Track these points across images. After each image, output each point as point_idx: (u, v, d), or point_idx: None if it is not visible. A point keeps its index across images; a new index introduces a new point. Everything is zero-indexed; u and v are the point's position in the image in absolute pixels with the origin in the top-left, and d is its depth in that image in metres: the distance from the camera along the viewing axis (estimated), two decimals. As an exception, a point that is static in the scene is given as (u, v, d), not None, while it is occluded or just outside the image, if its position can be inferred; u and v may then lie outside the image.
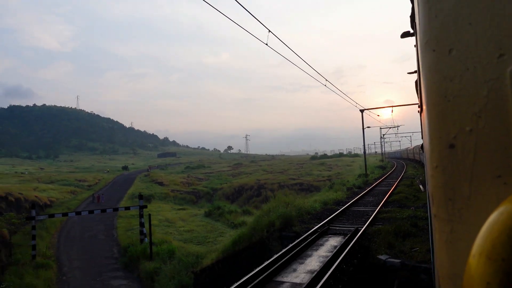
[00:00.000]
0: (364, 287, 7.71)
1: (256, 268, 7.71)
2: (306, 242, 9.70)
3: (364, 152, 39.00)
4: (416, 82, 4.73)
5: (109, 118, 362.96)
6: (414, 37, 3.21)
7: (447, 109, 0.61)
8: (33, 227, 21.05)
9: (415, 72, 4.61)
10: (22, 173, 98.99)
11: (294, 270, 7.83)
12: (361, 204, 17.07)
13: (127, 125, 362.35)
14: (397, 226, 10.40)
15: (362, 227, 11.21)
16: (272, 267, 7.74)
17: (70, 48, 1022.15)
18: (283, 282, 7.15)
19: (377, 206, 15.26)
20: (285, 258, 8.32)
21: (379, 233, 10.31)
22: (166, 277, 13.53)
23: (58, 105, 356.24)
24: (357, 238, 9.64)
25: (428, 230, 10.14)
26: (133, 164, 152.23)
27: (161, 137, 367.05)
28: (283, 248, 9.41)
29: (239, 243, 13.83)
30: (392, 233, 9.90)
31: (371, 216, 13.01)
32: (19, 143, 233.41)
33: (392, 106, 33.73)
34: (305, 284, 6.62)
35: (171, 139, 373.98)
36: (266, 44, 11.52)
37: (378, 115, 37.90)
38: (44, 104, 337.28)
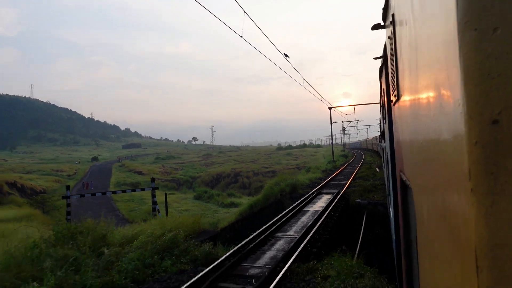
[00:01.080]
0: (348, 215, 14.13)
1: (281, 213, 13.73)
2: (310, 197, 16.01)
3: (332, 143, 46.21)
4: (380, 68, 5.31)
5: (66, 108, 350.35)
6: (384, 30, 3.38)
7: (491, 86, 0.63)
8: (68, 205, 25.82)
9: (380, 57, 4.98)
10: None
11: (307, 211, 14.04)
12: (337, 179, 23.74)
13: (86, 115, 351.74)
14: (363, 187, 17.02)
15: (342, 189, 17.73)
16: (295, 209, 13.87)
17: (16, 33, 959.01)
18: (307, 211, 13.39)
19: (348, 180, 21.93)
20: (300, 205, 14.49)
21: (353, 192, 16.88)
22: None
23: (10, 93, 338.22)
24: (341, 194, 16.09)
25: (381, 188, 16.72)
26: (99, 155, 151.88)
27: (122, 128, 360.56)
28: (294, 203, 15.55)
29: (255, 206, 19.88)
30: (361, 190, 16.48)
31: (346, 184, 19.61)
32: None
33: (355, 105, 40.99)
34: (321, 211, 12.88)
35: (132, 130, 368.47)
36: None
37: (346, 114, 45.06)
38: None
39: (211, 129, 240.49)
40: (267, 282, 6.27)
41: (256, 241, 8.94)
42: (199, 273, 6.69)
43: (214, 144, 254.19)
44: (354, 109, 42.81)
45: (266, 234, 9.74)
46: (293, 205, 14.18)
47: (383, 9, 2.81)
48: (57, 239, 7.63)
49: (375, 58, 5.26)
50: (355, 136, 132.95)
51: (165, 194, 27.76)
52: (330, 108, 42.29)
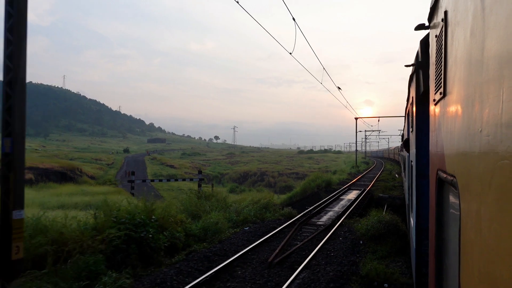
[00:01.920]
0: (372, 206, 18.82)
1: (323, 198, 18.54)
2: (342, 191, 20.78)
3: (356, 150, 50.57)
4: (410, 76, 5.43)
5: (95, 100, 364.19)
6: (427, 30, 3.29)
7: None
8: (132, 187, 31.31)
9: (412, 65, 5.03)
10: (36, 149, 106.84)
11: (342, 199, 18.78)
12: (361, 181, 28.36)
13: (113, 107, 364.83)
14: (384, 187, 21.65)
15: (367, 188, 22.39)
16: (331, 198, 18.65)
17: (48, 23, 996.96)
18: (343, 199, 18.17)
19: (372, 181, 26.52)
20: (329, 199, 19.24)
21: (376, 189, 21.53)
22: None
23: (44, 83, 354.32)
24: (366, 190, 20.78)
25: (399, 188, 21.36)
26: (127, 147, 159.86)
27: (146, 122, 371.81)
28: (329, 195, 20.30)
29: (294, 197, 24.74)
30: (383, 188, 21.14)
31: (370, 184, 24.25)
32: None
33: (380, 117, 45.26)
34: (353, 199, 17.63)
35: (156, 125, 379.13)
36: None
37: (372, 126, 49.41)
38: (31, 81, 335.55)
39: (234, 129, 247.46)
40: (330, 227, 11.13)
41: (315, 210, 13.85)
42: (289, 221, 11.64)
43: (235, 144, 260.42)
44: (379, 120, 47.04)
45: (319, 208, 14.64)
46: (330, 196, 18.99)
47: (431, 8, 2.79)
48: (199, 198, 12.75)
49: (406, 66, 5.43)
50: (375, 145, 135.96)
51: (212, 184, 33.04)
52: (356, 118, 46.69)
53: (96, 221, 7.00)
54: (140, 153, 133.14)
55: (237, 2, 8.56)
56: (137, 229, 7.01)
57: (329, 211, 14.49)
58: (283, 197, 22.81)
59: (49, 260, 5.57)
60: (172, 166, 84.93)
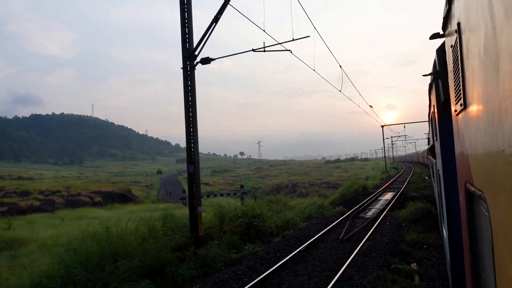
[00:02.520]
0: (406, 204, 21.73)
1: (364, 200, 21.63)
2: (378, 194, 23.80)
3: (384, 156, 53.01)
4: (430, 85, 5.45)
5: (123, 126, 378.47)
6: (443, 39, 3.27)
7: None
8: (185, 204, 35.25)
9: (430, 74, 5.01)
10: (78, 176, 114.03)
11: (380, 200, 21.80)
12: (394, 184, 31.15)
13: (139, 131, 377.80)
14: (416, 187, 24.51)
15: (401, 189, 25.27)
16: (371, 199, 21.71)
17: (73, 54, 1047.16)
18: (380, 199, 21.23)
19: (404, 184, 29.27)
20: (368, 200, 22.27)
21: (409, 190, 24.42)
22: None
23: (74, 113, 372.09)
24: (400, 191, 23.71)
25: (429, 188, 24.17)
26: (160, 169, 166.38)
27: (173, 143, 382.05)
28: (367, 197, 23.33)
29: (334, 202, 27.86)
30: (415, 188, 24.02)
31: (403, 187, 27.07)
32: (45, 150, 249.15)
33: (405, 123, 47.79)
34: (390, 199, 20.65)
35: (182, 146, 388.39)
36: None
37: (398, 133, 51.86)
38: (63, 113, 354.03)
39: (258, 143, 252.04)
40: (376, 218, 14.33)
41: (360, 208, 17.06)
42: (343, 216, 14.93)
43: (261, 158, 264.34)
44: (404, 126, 49.51)
45: (363, 207, 17.83)
46: (368, 198, 22.06)
47: (444, 18, 2.72)
48: (271, 202, 16.23)
49: (424, 75, 5.45)
50: (402, 150, 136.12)
51: (255, 197, 36.39)
52: (382, 126, 49.39)
53: (226, 216, 10.68)
54: (172, 173, 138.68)
55: (263, 30, 10.09)
56: (252, 220, 10.57)
57: (372, 208, 17.64)
58: (326, 202, 25.98)
59: (214, 237, 9.17)
60: (207, 184, 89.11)
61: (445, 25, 2.83)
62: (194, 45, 8.94)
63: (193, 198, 8.70)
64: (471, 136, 1.90)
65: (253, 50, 9.66)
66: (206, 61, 8.93)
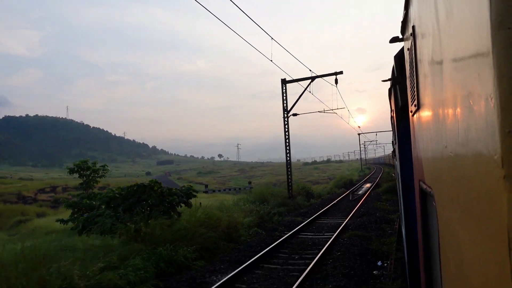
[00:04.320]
0: (377, 197, 33.05)
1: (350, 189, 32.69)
2: (360, 184, 35.13)
3: (360, 159, 65.05)
4: (389, 90, 5.53)
5: (99, 128, 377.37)
6: (402, 42, 3.39)
7: None
8: (206, 192, 45.18)
9: (389, 80, 5.14)
10: (74, 178, 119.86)
11: (364, 187, 32.96)
12: (370, 179, 42.71)
13: (117, 134, 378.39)
14: (386, 179, 36.09)
15: (375, 181, 36.71)
16: (358, 186, 32.87)
17: (39, 54, 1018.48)
18: (363, 187, 32.45)
19: (377, 178, 40.86)
20: (356, 186, 33.45)
21: (381, 183, 35.96)
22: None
23: (48, 115, 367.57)
24: (375, 184, 35.12)
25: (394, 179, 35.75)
26: (142, 171, 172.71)
27: (149, 145, 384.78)
28: (355, 185, 34.46)
29: (336, 187, 39.04)
30: (385, 178, 35.59)
31: (376, 181, 38.61)
32: (23, 152, 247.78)
33: (377, 132, 59.89)
34: (369, 187, 31.91)
35: (158, 148, 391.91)
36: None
37: (374, 141, 63.90)
38: (37, 115, 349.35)
39: (237, 146, 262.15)
40: (365, 194, 25.33)
41: (354, 189, 28.15)
42: (344, 193, 25.91)
43: (240, 160, 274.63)
44: (376, 134, 61.69)
45: (355, 189, 28.93)
46: (356, 185, 33.21)
47: (402, 22, 2.80)
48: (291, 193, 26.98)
49: (383, 81, 5.46)
50: (372, 153, 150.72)
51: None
52: (359, 134, 61.34)
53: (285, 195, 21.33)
54: (159, 175, 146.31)
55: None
56: (308, 189, 21.28)
57: (361, 190, 28.72)
58: (329, 186, 37.15)
59: (295, 196, 19.88)
60: (201, 183, 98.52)
61: (403, 29, 2.94)
62: (289, 107, 19.55)
63: (289, 180, 19.19)
64: (423, 135, 1.98)
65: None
66: (294, 115, 19.52)
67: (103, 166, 27.65)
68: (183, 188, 11.96)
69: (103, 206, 11.04)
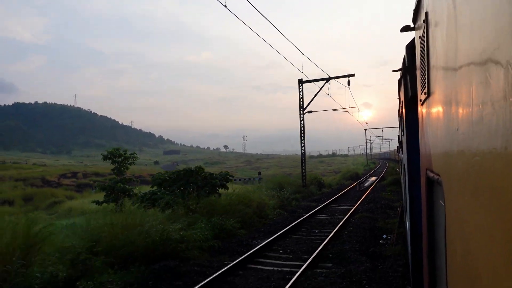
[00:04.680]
0: (382, 189, 35.20)
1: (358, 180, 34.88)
2: (366, 177, 37.26)
3: (366, 153, 67.06)
4: (399, 80, 5.39)
5: (106, 116, 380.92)
6: (413, 32, 3.29)
7: None
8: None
9: (399, 70, 4.99)
10: (85, 165, 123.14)
11: (369, 180, 35.13)
12: (375, 173, 44.80)
13: (124, 123, 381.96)
14: (391, 173, 38.20)
15: (380, 175, 38.84)
16: (364, 179, 35.06)
17: (44, 41, 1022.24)
18: (369, 179, 34.62)
19: (382, 173, 42.96)
20: (363, 179, 35.64)
21: (386, 176, 38.11)
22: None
23: (57, 102, 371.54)
24: (380, 177, 37.27)
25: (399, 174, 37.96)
26: (150, 160, 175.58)
27: (156, 135, 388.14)
28: (361, 178, 36.64)
29: (344, 179, 41.25)
30: (390, 172, 37.72)
31: (382, 173, 40.72)
32: (32, 139, 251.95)
33: (384, 128, 61.73)
34: (375, 180, 34.07)
35: (164, 138, 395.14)
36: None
37: (380, 137, 65.70)
38: (46, 102, 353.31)
39: (243, 138, 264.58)
40: (371, 185, 27.51)
41: (361, 182, 30.34)
42: (352, 184, 28.11)
43: (245, 152, 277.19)
44: (382, 130, 63.51)
45: (362, 181, 31.11)
46: (362, 178, 35.35)
47: (414, 10, 2.77)
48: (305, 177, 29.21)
49: (394, 71, 5.36)
50: (377, 148, 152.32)
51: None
52: (366, 129, 63.24)
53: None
54: (166, 164, 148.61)
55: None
56: (320, 179, 23.48)
57: (366, 182, 30.89)
58: (338, 178, 39.34)
59: (308, 185, 22.11)
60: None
61: (415, 18, 2.90)
62: (305, 105, 21.67)
63: (303, 170, 21.40)
64: (432, 122, 1.98)
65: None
66: (309, 112, 21.65)
67: (133, 154, 29.96)
68: (221, 173, 14.24)
69: (155, 187, 13.34)
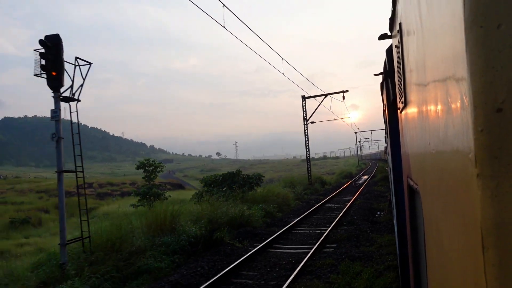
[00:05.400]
0: (374, 184, 39.94)
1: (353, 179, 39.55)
2: (359, 176, 42.04)
3: (357, 155, 72.00)
4: (381, 84, 5.49)
5: (96, 128, 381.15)
6: (390, 39, 3.39)
7: (495, 78, 0.67)
8: None
9: (381, 74, 5.10)
10: (85, 177, 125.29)
11: (362, 178, 39.85)
12: (367, 172, 49.62)
13: (115, 134, 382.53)
14: (381, 171, 43.04)
15: (372, 173, 43.62)
16: (358, 177, 39.79)
17: (28, 53, 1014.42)
18: (362, 178, 39.39)
19: (373, 172, 47.77)
20: (356, 177, 40.37)
21: (376, 174, 42.91)
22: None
23: (46, 115, 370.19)
24: (372, 175, 42.05)
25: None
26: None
27: (147, 145, 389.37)
28: (355, 177, 41.33)
29: (340, 178, 45.93)
30: (380, 171, 42.52)
31: (373, 172, 45.54)
32: (24, 153, 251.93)
33: (372, 130, 66.74)
34: (367, 178, 38.84)
35: (156, 147, 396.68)
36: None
37: (369, 139, 70.76)
38: (35, 116, 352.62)
39: (235, 144, 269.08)
40: (364, 182, 32.17)
41: (355, 179, 35.00)
42: (348, 182, 32.74)
43: (238, 158, 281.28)
44: (371, 132, 68.62)
45: (356, 179, 35.79)
46: (355, 177, 40.01)
47: (390, 19, 2.82)
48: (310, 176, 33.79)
49: (375, 75, 5.45)
50: (367, 149, 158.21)
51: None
52: (356, 132, 68.22)
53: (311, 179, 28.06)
54: (163, 174, 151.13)
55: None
56: (322, 179, 27.98)
57: (360, 180, 35.56)
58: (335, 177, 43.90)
59: (314, 183, 26.53)
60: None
61: (391, 26, 2.97)
62: (307, 116, 26.18)
63: (309, 171, 25.83)
64: (410, 132, 1.99)
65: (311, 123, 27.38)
66: (312, 122, 26.18)
67: (160, 163, 33.96)
68: (254, 174, 18.65)
69: (206, 187, 17.69)
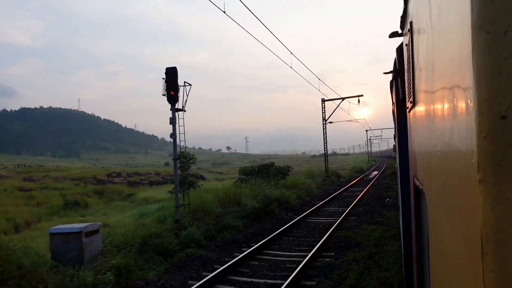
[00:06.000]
0: (384, 178, 43.40)
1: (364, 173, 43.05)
2: (369, 171, 45.52)
3: (367, 152, 75.21)
4: (391, 82, 5.55)
5: (109, 120, 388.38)
6: (401, 37, 3.32)
7: (501, 84, 0.67)
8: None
9: (390, 72, 5.01)
10: (103, 167, 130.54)
11: (372, 173, 43.33)
12: (377, 168, 53.03)
13: (128, 126, 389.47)
14: (390, 168, 46.47)
15: (381, 169, 47.05)
16: (368, 172, 43.28)
17: (41, 44, 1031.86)
18: (372, 173, 42.86)
19: (382, 168, 51.18)
20: (367, 172, 43.84)
21: (386, 170, 46.36)
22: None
23: (62, 106, 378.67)
24: (382, 171, 45.49)
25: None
26: (158, 161, 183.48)
27: (158, 137, 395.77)
28: (365, 172, 44.82)
29: (352, 173, 49.52)
30: (389, 167, 45.97)
31: (382, 169, 48.95)
32: (40, 143, 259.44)
33: (383, 129, 69.91)
34: (377, 174, 42.32)
35: (167, 140, 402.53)
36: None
37: (379, 136, 73.83)
38: (50, 107, 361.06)
39: (246, 139, 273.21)
40: (374, 177, 35.69)
41: (366, 174, 38.54)
42: (359, 177, 36.31)
43: (248, 153, 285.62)
44: (381, 131, 71.76)
45: (365, 173, 39.32)
46: (366, 172, 43.51)
47: (401, 17, 2.81)
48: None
49: (385, 73, 5.47)
50: (376, 147, 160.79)
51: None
52: (367, 131, 71.45)
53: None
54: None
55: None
56: (337, 173, 31.60)
57: (371, 175, 39.07)
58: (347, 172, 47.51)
59: (330, 175, 30.26)
60: (221, 173, 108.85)
61: (402, 24, 2.92)
62: (326, 117, 29.74)
63: (326, 165, 29.44)
64: (417, 132, 1.98)
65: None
66: (330, 123, 29.72)
67: (193, 155, 37.78)
68: (284, 166, 22.44)
69: (244, 176, 21.49)
